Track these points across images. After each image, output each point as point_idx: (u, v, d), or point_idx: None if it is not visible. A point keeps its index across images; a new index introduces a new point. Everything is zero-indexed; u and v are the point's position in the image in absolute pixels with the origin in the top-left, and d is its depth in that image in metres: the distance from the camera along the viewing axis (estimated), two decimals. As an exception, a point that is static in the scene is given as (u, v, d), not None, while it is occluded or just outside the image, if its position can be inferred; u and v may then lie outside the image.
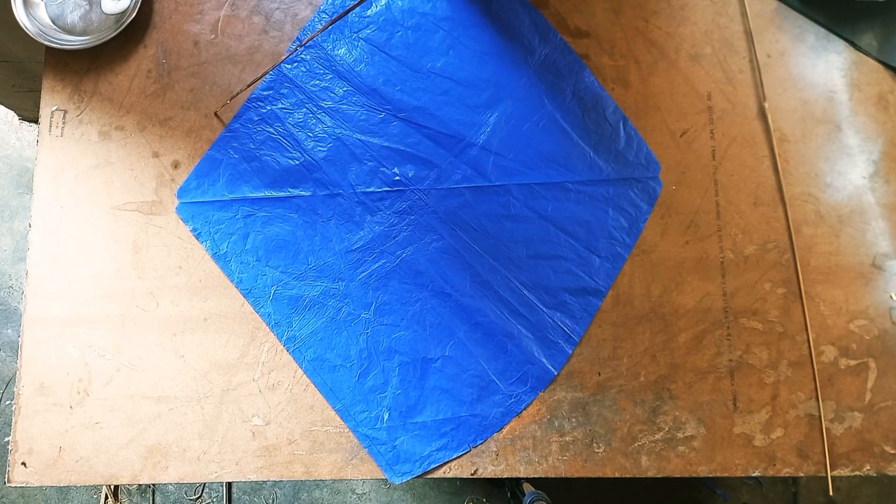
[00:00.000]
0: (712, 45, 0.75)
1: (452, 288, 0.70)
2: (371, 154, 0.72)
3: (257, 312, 0.69)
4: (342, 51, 0.74)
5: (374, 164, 0.72)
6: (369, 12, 0.75)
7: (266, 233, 0.71)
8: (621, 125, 0.73)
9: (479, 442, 0.67)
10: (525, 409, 0.67)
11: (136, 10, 0.73)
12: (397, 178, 0.72)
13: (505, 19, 0.75)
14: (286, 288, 0.69)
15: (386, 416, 0.67)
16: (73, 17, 0.75)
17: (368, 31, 0.74)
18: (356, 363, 0.68)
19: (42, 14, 0.75)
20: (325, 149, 0.72)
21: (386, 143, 0.72)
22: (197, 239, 0.70)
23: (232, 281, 0.70)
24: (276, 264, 0.70)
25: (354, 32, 0.74)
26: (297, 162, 0.72)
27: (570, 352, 0.68)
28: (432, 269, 0.70)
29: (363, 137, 0.72)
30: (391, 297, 0.70)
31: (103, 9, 0.75)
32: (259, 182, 0.72)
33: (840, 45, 0.75)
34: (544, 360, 0.68)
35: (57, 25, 0.75)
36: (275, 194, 0.71)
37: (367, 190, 0.71)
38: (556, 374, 0.68)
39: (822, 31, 0.75)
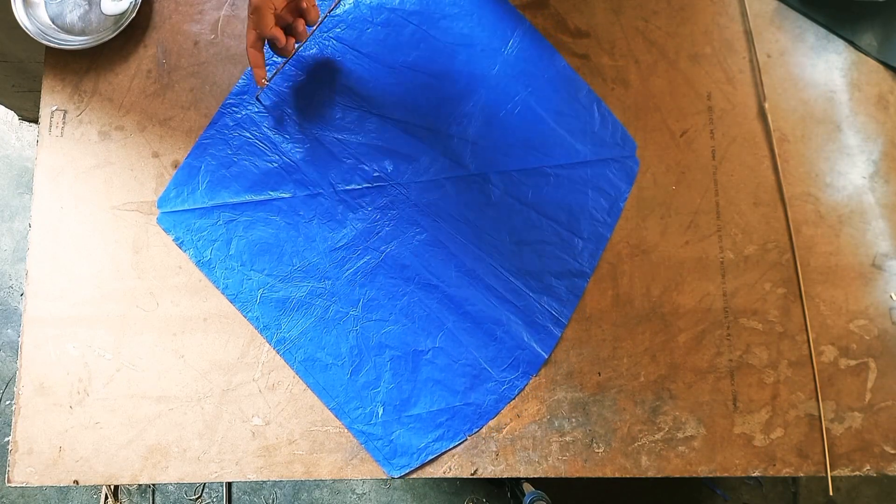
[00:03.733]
0: (712, 45, 0.75)
1: (438, 279, 0.70)
2: (349, 152, 0.72)
3: (245, 317, 0.69)
4: (313, 51, 0.74)
5: (352, 162, 0.72)
6: (338, 11, 0.75)
7: (249, 237, 0.70)
8: (595, 107, 0.73)
9: (474, 430, 0.67)
10: (524, 405, 0.67)
11: (136, 10, 0.73)
12: (377, 174, 0.72)
13: (474, 9, 0.75)
14: (272, 290, 0.69)
15: (380, 411, 0.67)
16: (72, 16, 0.75)
17: (338, 30, 0.74)
18: (347, 360, 0.68)
19: (42, 14, 0.75)
20: (303, 150, 0.72)
21: (363, 140, 0.72)
22: (180, 248, 0.70)
23: (218, 287, 0.69)
24: (260, 268, 0.70)
25: (324, 32, 0.74)
26: (276, 164, 0.72)
27: (559, 334, 0.68)
28: (417, 261, 0.70)
29: (340, 136, 0.72)
30: (378, 292, 0.70)
31: (103, 9, 0.75)
32: (239, 187, 0.71)
33: (840, 45, 0.75)
34: (534, 345, 0.68)
35: (56, 25, 0.75)
36: (255, 198, 0.71)
37: (348, 188, 0.71)
38: (546, 357, 0.68)
39: (822, 31, 0.75)
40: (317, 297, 0.69)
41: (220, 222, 0.71)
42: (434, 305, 0.69)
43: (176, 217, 0.71)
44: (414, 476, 0.66)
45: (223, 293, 0.69)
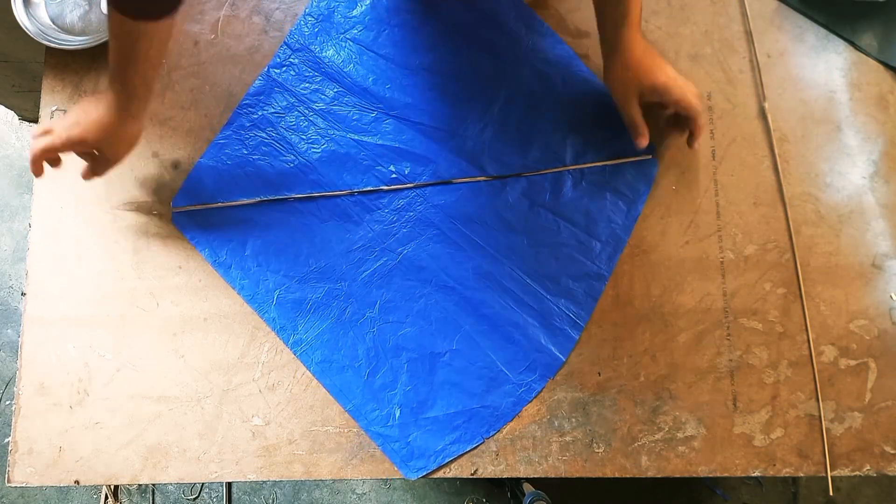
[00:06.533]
0: (712, 45, 0.75)
1: (455, 281, 0.69)
2: (366, 153, 0.72)
3: (262, 318, 0.69)
4: (330, 52, 0.74)
5: (369, 163, 0.72)
6: (355, 12, 0.75)
7: (265, 237, 0.70)
8: (612, 109, 0.73)
9: (492, 433, 0.67)
10: (526, 407, 0.67)
11: (136, 10, 0.73)
12: (393, 175, 0.72)
13: (491, 12, 0.75)
14: (289, 292, 0.69)
15: (397, 414, 0.67)
16: (72, 16, 0.75)
17: (355, 31, 0.74)
18: (364, 362, 0.68)
19: (42, 14, 0.75)
20: (320, 150, 0.72)
21: (380, 142, 0.72)
22: (195, 247, 0.70)
23: (234, 288, 0.69)
24: (277, 268, 0.70)
25: (341, 33, 0.74)
26: (292, 165, 0.72)
27: (577, 337, 0.68)
28: (434, 264, 0.70)
29: (357, 137, 0.72)
30: (395, 294, 0.70)
31: (103, 9, 0.75)
32: (255, 187, 0.71)
33: (840, 45, 0.75)
34: (552, 348, 0.68)
35: (56, 25, 0.75)
36: (271, 198, 0.71)
37: (364, 189, 0.71)
38: (563, 360, 0.68)
39: (822, 31, 0.75)
40: (333, 299, 0.69)
41: (236, 222, 0.71)
42: (451, 308, 0.69)
43: (191, 217, 0.71)
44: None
45: (239, 294, 0.69)
